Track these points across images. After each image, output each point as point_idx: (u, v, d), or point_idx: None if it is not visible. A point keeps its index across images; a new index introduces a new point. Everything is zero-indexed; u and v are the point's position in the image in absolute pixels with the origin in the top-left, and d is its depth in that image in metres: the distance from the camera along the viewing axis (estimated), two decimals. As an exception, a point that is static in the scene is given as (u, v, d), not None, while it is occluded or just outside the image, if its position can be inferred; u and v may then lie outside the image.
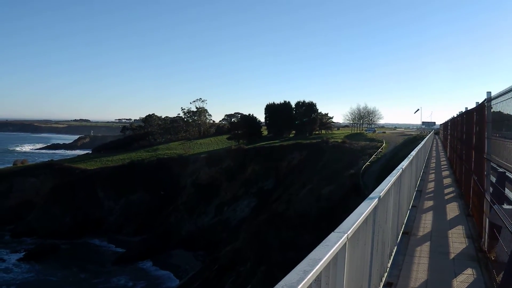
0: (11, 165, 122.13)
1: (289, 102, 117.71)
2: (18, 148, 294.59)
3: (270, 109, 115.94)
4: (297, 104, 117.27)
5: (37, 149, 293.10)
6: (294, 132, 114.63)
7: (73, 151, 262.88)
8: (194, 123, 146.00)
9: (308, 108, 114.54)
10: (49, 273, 65.15)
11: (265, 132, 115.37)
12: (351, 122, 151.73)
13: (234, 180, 78.76)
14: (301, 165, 74.04)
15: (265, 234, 51.99)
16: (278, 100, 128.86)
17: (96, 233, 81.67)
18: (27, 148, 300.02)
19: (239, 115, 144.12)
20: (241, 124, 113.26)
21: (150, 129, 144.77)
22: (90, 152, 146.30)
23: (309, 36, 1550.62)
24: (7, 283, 61.36)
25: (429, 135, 52.00)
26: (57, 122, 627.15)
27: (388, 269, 8.72)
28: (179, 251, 68.42)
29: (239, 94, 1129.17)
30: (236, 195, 75.90)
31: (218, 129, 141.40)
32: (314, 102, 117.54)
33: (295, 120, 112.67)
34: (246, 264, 49.59)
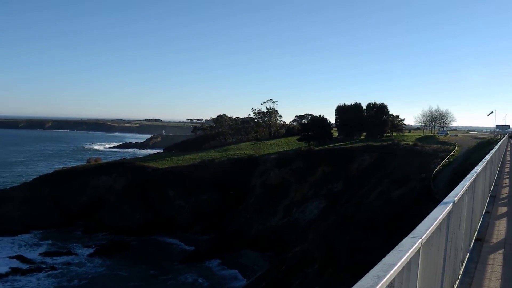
0: (85, 163, 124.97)
1: (359, 103, 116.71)
2: (92, 147, 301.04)
3: (341, 110, 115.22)
4: (368, 105, 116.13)
5: (110, 147, 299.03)
6: (364, 134, 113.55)
7: (145, 150, 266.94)
8: (264, 123, 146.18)
9: (379, 110, 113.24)
10: (119, 268, 66.53)
11: (335, 134, 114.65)
12: (423, 124, 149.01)
13: (304, 182, 78.42)
14: (371, 168, 73.17)
15: (333, 236, 51.57)
16: (348, 102, 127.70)
17: (166, 231, 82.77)
18: (100, 146, 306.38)
19: (309, 116, 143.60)
20: (312, 125, 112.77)
21: (221, 129, 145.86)
22: (162, 151, 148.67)
23: (381, 39, 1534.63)
24: (79, 277, 62.93)
25: (503, 138, 50.64)
26: (130, 121, 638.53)
27: (460, 276, 8.52)
28: (247, 251, 68.60)
29: (310, 95, 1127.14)
30: (305, 197, 75.57)
31: (289, 130, 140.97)
32: (385, 103, 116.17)
33: (365, 121, 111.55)
34: (314, 266, 49.30)
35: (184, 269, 65.36)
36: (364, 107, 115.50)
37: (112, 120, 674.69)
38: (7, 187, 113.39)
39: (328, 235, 53.47)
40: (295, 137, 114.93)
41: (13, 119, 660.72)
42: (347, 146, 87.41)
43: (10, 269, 65.01)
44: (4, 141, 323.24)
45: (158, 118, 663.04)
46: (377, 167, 70.82)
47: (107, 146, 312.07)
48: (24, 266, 66.34)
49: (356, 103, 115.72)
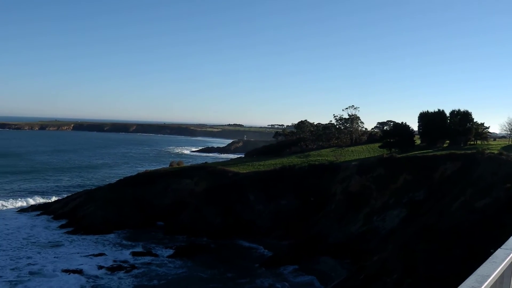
0: (168, 166, 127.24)
1: (443, 110, 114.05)
2: (174, 150, 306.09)
3: (424, 117, 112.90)
4: (452, 112, 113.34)
5: (193, 151, 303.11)
6: (448, 141, 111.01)
7: (226, 154, 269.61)
8: (346, 130, 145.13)
9: (463, 117, 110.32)
10: (199, 269, 67.46)
11: (418, 141, 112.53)
12: (509, 133, 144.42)
13: (385, 189, 77.29)
14: (454, 176, 71.46)
15: (413, 246, 50.75)
16: (431, 108, 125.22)
17: (245, 235, 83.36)
18: (183, 150, 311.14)
19: (391, 123, 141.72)
20: (394, 132, 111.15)
21: (302, 135, 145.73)
22: (243, 156, 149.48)
23: (471, 47, 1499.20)
24: (159, 277, 64.15)
25: None
26: (212, 126, 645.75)
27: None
28: (325, 258, 68.16)
29: (392, 102, 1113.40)
30: (386, 205, 74.43)
31: (370, 136, 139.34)
32: (469, 111, 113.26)
33: (449, 129, 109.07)
34: (393, 275, 48.58)
35: (261, 274, 65.63)
36: (448, 114, 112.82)
37: (194, 124, 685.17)
38: (93, 188, 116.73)
39: (409, 244, 52.64)
40: (377, 144, 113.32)
41: (99, 122, 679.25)
42: (429, 153, 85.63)
43: (92, 267, 66.96)
44: (90, 144, 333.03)
45: (240, 123, 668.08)
46: (460, 176, 69.05)
47: (190, 150, 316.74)
48: (106, 265, 68.20)
49: (439, 110, 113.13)
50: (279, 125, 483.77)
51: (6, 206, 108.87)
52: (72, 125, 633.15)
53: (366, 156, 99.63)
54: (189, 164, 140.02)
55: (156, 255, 73.66)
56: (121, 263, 69.14)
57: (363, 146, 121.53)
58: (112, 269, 66.39)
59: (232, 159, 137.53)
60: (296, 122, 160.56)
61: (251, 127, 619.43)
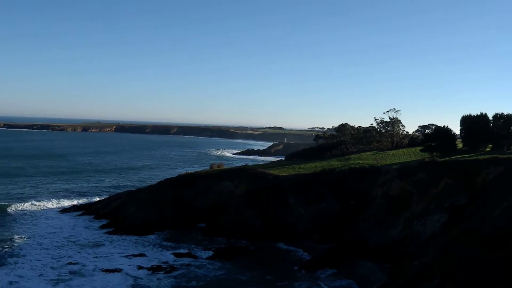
0: (208, 168, 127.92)
1: (486, 114, 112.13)
2: (215, 152, 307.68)
3: (466, 121, 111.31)
4: (495, 116, 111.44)
5: (233, 154, 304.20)
6: (490, 145, 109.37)
7: (267, 157, 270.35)
8: (387, 133, 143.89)
9: (506, 121, 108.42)
10: (238, 272, 67.56)
11: (460, 145, 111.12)
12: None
13: (426, 194, 76.39)
14: (497, 181, 70.31)
15: (454, 251, 50.20)
16: (474, 112, 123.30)
17: (285, 238, 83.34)
18: (223, 152, 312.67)
19: (433, 127, 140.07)
20: (435, 136, 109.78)
21: (343, 138, 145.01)
22: (283, 158, 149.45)
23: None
24: (198, 278, 64.44)
25: None
26: (252, 129, 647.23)
27: None
28: (365, 262, 67.69)
29: (434, 105, 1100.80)
30: (427, 209, 73.51)
31: (411, 140, 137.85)
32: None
33: (491, 133, 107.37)
34: (433, 281, 48.02)
35: (300, 277, 65.47)
36: (491, 118, 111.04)
37: (235, 127, 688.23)
38: (133, 189, 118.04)
39: (449, 249, 52.03)
40: (418, 148, 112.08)
41: (140, 124, 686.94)
42: (471, 158, 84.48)
43: (132, 267, 67.79)
44: (132, 146, 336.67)
45: (280, 126, 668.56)
46: (503, 181, 67.95)
47: (230, 152, 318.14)
48: (146, 265, 68.92)
49: (482, 114, 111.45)
50: (319, 128, 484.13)
51: (49, 206, 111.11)
52: (114, 127, 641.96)
53: (407, 160, 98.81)
54: (229, 166, 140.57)
55: (195, 257, 74.08)
56: (161, 264, 69.73)
57: (404, 149, 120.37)
58: (152, 270, 66.97)
59: (272, 162, 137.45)
60: (336, 125, 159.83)
61: (291, 129, 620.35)
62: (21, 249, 76.06)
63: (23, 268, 67.32)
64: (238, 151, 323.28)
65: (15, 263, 69.45)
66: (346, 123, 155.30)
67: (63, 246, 79.28)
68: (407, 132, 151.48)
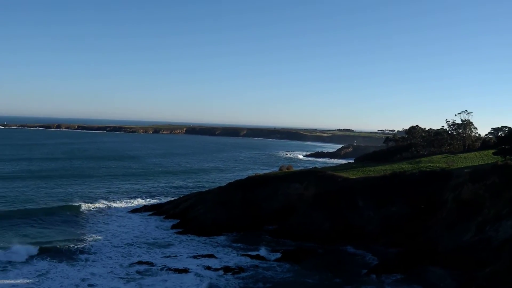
0: (277, 170, 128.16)
1: None
2: (284, 155, 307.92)
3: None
4: None
5: (302, 156, 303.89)
6: None
7: (336, 159, 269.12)
8: (458, 136, 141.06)
9: None
10: (306, 274, 67.39)
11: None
12: None
13: (499, 198, 74.55)
14: None
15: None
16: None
17: (353, 241, 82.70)
18: (292, 155, 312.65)
19: (506, 129, 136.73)
20: (509, 138, 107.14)
21: (413, 140, 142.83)
22: (353, 161, 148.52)
23: None
24: (265, 280, 64.74)
25: None
26: (321, 131, 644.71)
27: None
28: (434, 268, 66.38)
29: (508, 106, 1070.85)
30: (500, 214, 71.77)
31: (484, 143, 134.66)
32: None
33: None
34: (506, 288, 47.04)
35: (368, 281, 64.78)
36: None
37: (304, 129, 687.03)
38: (203, 190, 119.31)
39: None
40: (491, 151, 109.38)
41: (211, 126, 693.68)
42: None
43: (200, 268, 68.64)
44: (202, 148, 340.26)
45: (350, 128, 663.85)
46: None
47: (299, 154, 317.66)
48: (215, 266, 69.63)
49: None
50: (389, 130, 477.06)
51: (120, 206, 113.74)
52: (184, 129, 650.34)
53: (480, 163, 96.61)
54: (298, 168, 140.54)
55: (263, 258, 74.28)
56: (229, 265, 70.30)
57: (476, 152, 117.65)
58: (220, 270, 67.58)
59: (341, 164, 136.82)
60: (407, 127, 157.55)
61: (361, 132, 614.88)
62: (92, 247, 78.32)
63: (94, 265, 69.35)
64: (308, 154, 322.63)
65: (87, 260, 71.83)
66: (417, 125, 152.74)
67: (133, 245, 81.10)
68: (479, 134, 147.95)
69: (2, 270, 65.18)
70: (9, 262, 68.31)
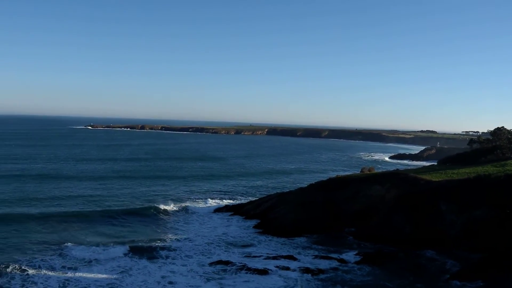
0: (359, 171, 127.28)
1: None
2: (366, 156, 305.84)
3: None
4: None
5: (384, 158, 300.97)
6: None
7: (418, 161, 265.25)
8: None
9: None
10: (386, 278, 66.42)
11: None
12: None
13: None
14: None
15: None
16: None
17: (435, 245, 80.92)
18: (374, 156, 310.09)
19: None
20: None
21: (499, 142, 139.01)
22: (435, 163, 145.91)
23: None
24: (344, 283, 64.14)
25: None
26: (404, 132, 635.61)
27: None
28: (520, 275, 64.59)
29: None
30: None
31: None
32: None
33: None
34: None
35: (450, 287, 63.59)
36: None
37: (386, 130, 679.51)
38: (285, 191, 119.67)
39: None
40: None
41: (292, 127, 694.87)
42: None
43: (279, 268, 68.76)
44: (283, 149, 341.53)
45: (433, 130, 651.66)
46: None
47: (381, 156, 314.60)
48: (294, 267, 69.69)
49: None
50: (473, 131, 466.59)
51: (201, 206, 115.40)
52: (266, 130, 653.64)
53: None
54: (380, 170, 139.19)
55: (343, 261, 73.73)
56: (309, 266, 70.05)
57: None
58: (300, 272, 67.59)
59: (424, 167, 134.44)
60: (491, 128, 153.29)
61: (444, 133, 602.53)
62: (172, 246, 79.95)
63: (174, 263, 70.92)
64: (389, 155, 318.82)
65: (167, 257, 73.66)
66: (502, 127, 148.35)
67: (213, 244, 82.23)
68: None
69: (86, 266, 67.62)
70: (93, 259, 70.68)
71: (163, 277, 64.45)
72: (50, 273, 64.30)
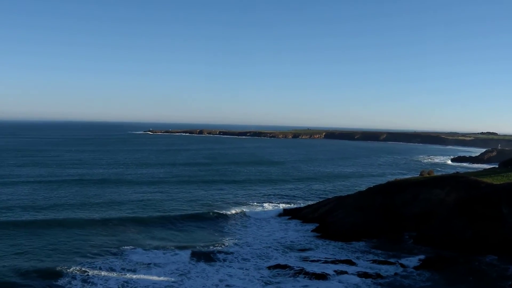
0: (418, 175, 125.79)
1: None
2: (425, 159, 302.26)
3: None
4: None
5: (443, 160, 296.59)
6: None
7: (479, 164, 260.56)
8: None
9: None
10: (445, 284, 65.21)
11: None
12: None
13: None
14: None
15: None
16: None
17: (496, 250, 79.12)
18: (433, 159, 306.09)
19: None
20: None
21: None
22: (497, 166, 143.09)
23: None
24: (403, 288, 63.57)
25: None
26: (463, 134, 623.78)
27: None
28: None
29: None
30: None
31: None
32: None
33: None
34: None
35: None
36: None
37: (445, 133, 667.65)
38: (343, 195, 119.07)
39: None
40: None
41: (349, 131, 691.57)
42: None
43: (337, 273, 68.32)
44: (341, 152, 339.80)
45: (494, 132, 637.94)
46: None
47: (440, 159, 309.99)
48: (352, 271, 69.18)
49: None
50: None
51: (259, 210, 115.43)
52: (323, 134, 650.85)
53: None
54: (439, 173, 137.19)
55: (402, 266, 72.78)
56: (367, 271, 69.49)
57: None
58: (358, 276, 67.09)
59: (485, 169, 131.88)
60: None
61: (505, 135, 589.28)
62: (230, 249, 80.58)
63: (231, 266, 71.59)
64: (449, 158, 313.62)
65: (224, 260, 74.35)
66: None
67: (270, 248, 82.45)
68: None
69: (145, 269, 68.75)
70: (152, 263, 71.79)
71: (220, 280, 65.06)
72: (109, 274, 65.95)
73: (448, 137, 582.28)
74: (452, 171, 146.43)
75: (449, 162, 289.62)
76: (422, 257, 77.35)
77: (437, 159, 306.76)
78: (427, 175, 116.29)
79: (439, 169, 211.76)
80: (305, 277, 66.49)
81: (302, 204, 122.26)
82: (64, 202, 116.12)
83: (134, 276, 65.42)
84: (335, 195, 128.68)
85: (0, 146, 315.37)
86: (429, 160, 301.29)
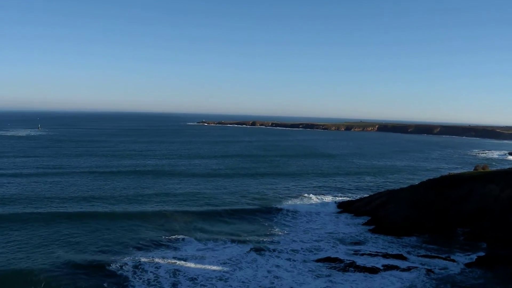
0: (472, 169, 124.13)
1: None
2: (479, 153, 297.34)
3: None
4: None
5: (498, 155, 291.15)
6: None
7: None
8: None
9: None
10: (498, 282, 63.91)
11: None
12: None
13: None
14: None
15: None
16: None
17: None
18: (488, 153, 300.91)
19: None
20: None
21: None
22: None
23: None
24: (454, 284, 62.79)
25: None
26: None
27: None
28: None
29: None
30: None
31: None
32: None
33: None
34: None
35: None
36: None
37: (501, 126, 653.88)
38: (395, 188, 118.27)
39: None
40: None
41: (403, 123, 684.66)
42: None
43: (389, 267, 68.19)
44: (393, 145, 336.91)
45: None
46: None
47: (495, 153, 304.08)
48: (403, 266, 68.90)
49: None
50: None
51: (310, 202, 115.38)
52: (376, 126, 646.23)
53: None
54: (494, 168, 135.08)
55: (454, 261, 72.21)
56: (418, 265, 69.23)
57: None
58: (408, 271, 66.70)
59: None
60: None
61: None
62: (279, 241, 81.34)
63: (280, 257, 72.12)
64: (504, 153, 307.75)
65: (273, 250, 74.96)
66: None
67: (321, 241, 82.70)
68: None
69: (196, 259, 69.74)
70: (203, 253, 73.01)
71: (269, 271, 65.82)
72: (161, 261, 67.62)
73: (504, 131, 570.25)
74: (507, 166, 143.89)
75: (505, 156, 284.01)
76: (474, 254, 76.36)
77: (492, 154, 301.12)
78: (482, 170, 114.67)
79: (494, 164, 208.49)
80: (355, 270, 66.56)
81: (354, 197, 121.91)
82: (118, 194, 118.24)
83: (185, 265, 66.82)
84: (388, 188, 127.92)
85: (56, 137, 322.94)
86: (484, 154, 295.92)
